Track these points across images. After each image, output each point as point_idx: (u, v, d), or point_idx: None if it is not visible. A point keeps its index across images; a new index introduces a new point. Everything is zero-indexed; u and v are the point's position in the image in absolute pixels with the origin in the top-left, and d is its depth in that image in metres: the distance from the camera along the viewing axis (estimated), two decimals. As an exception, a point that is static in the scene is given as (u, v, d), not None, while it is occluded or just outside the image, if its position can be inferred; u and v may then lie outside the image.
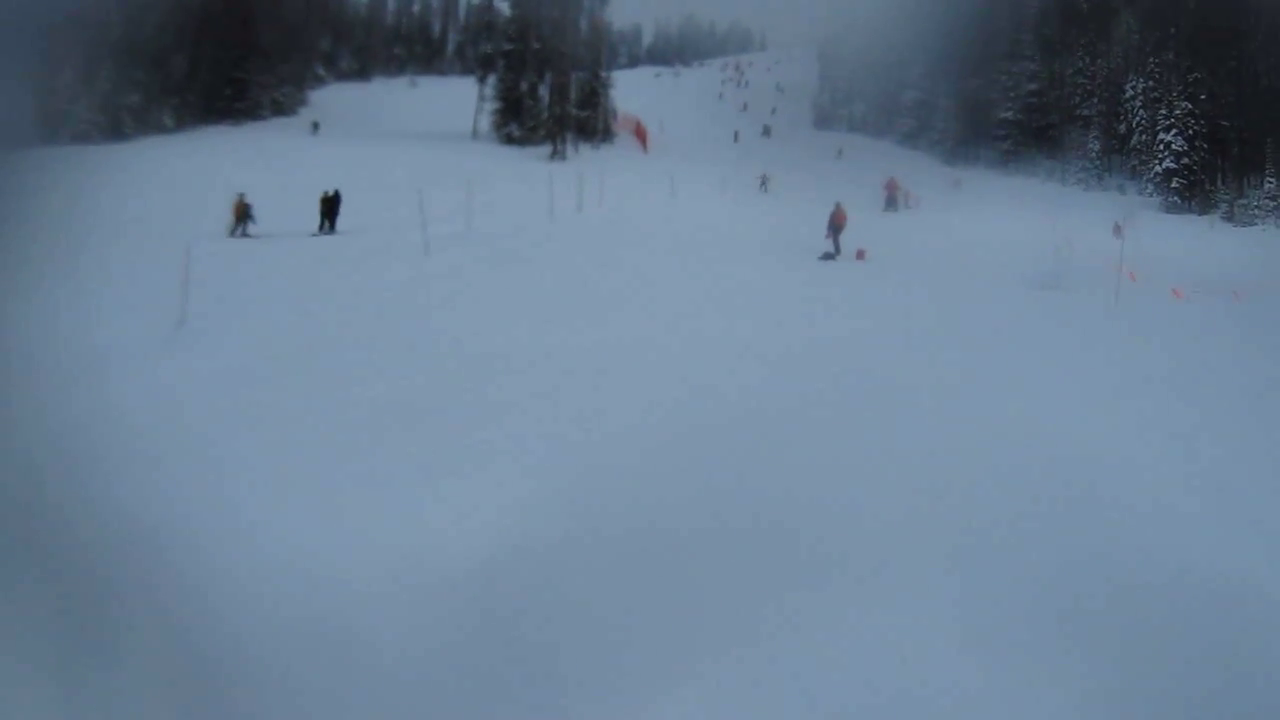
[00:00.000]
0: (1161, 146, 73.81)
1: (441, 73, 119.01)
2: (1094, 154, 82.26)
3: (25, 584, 6.21)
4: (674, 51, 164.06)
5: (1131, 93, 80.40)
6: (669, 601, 7.89)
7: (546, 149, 77.97)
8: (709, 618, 7.73)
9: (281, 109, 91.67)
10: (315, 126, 65.56)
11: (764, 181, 52.99)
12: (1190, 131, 73.16)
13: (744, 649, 7.32)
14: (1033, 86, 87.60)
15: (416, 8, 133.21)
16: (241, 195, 31.05)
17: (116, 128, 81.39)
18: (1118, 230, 28.42)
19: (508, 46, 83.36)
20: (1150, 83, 78.44)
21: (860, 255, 28.47)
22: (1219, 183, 73.96)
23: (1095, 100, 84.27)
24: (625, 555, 8.69)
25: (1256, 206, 68.11)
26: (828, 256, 28.43)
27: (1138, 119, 79.20)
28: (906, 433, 11.96)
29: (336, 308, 19.88)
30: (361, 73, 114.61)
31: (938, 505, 9.74)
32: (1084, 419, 12.79)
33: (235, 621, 7.18)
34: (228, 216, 30.61)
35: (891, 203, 49.56)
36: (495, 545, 8.83)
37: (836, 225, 29.05)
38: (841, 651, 7.25)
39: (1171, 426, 12.62)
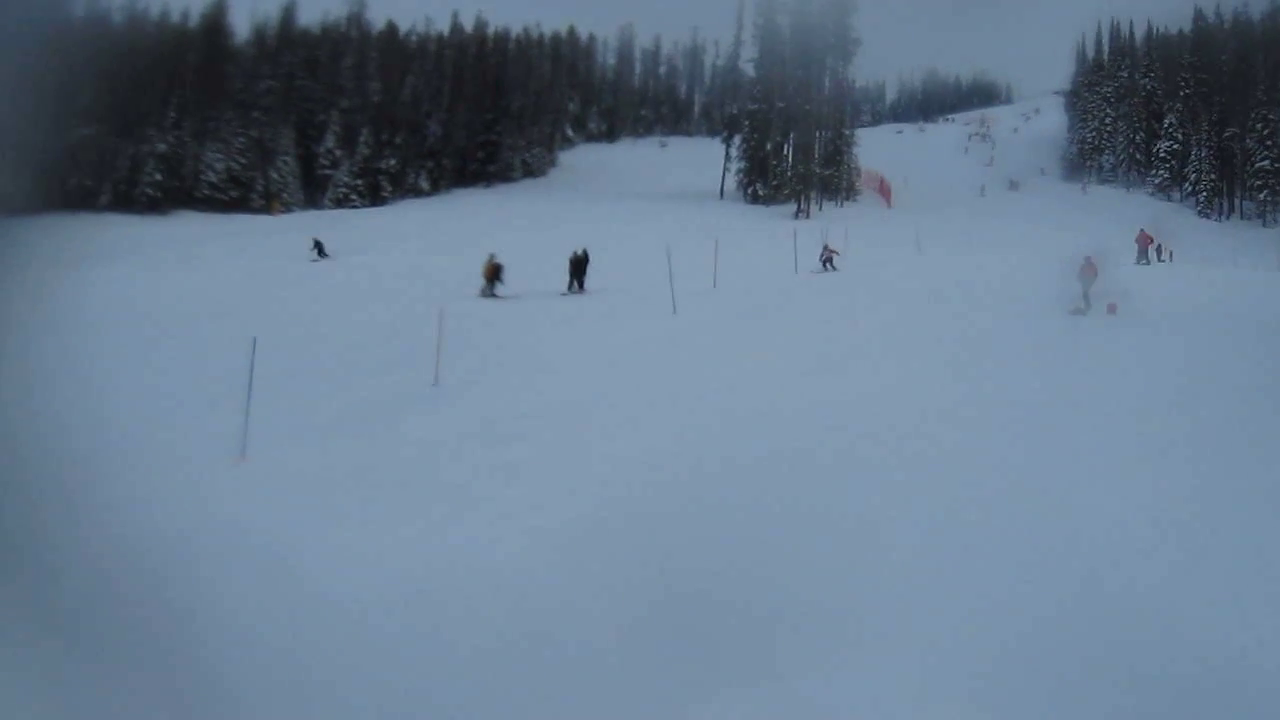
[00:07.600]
0: None
1: (688, 133, 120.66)
2: (1358, 203, 78.28)
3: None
4: (917, 107, 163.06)
5: (1397, 139, 76.33)
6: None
7: (791, 207, 78.12)
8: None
9: (531, 170, 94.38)
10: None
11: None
12: None
13: None
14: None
15: (663, 70, 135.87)
16: (492, 256, 31.72)
17: (374, 191, 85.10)
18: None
19: (752, 107, 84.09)
20: None
21: (1111, 309, 27.43)
22: None
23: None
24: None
25: None
26: (1077, 311, 27.56)
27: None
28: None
29: (583, 366, 20.15)
30: (609, 134, 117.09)
31: None
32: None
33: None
34: (480, 279, 31.30)
35: (1143, 255, 47.84)
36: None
37: (1086, 278, 28.19)
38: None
39: None
